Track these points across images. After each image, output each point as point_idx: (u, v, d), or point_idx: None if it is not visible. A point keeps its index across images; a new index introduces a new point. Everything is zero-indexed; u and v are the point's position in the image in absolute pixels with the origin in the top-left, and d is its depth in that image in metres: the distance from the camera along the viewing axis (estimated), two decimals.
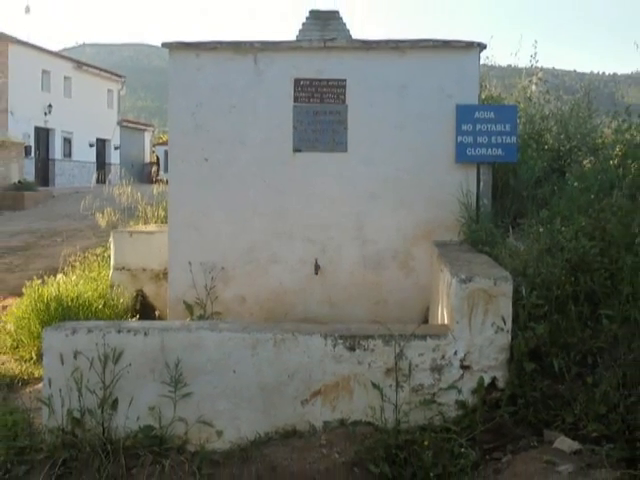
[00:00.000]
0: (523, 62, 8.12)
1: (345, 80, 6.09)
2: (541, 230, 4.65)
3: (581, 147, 6.77)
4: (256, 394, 4.01)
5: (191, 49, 6.19)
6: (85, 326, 4.19)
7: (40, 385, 4.49)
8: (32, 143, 28.30)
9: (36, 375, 5.34)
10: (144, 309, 7.10)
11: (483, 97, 6.89)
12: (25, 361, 5.84)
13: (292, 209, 6.17)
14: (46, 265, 9.72)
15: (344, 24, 6.31)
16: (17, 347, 6.16)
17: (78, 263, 8.18)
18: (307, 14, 6.34)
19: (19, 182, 23.46)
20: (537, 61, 7.93)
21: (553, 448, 3.33)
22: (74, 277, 7.32)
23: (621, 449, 3.16)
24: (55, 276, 7.23)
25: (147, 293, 7.29)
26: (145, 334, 4.05)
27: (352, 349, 3.98)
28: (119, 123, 37.11)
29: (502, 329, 3.91)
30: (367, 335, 4.01)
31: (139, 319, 6.52)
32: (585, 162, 6.21)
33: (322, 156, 6.15)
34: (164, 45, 6.24)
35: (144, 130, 42.29)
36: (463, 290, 3.93)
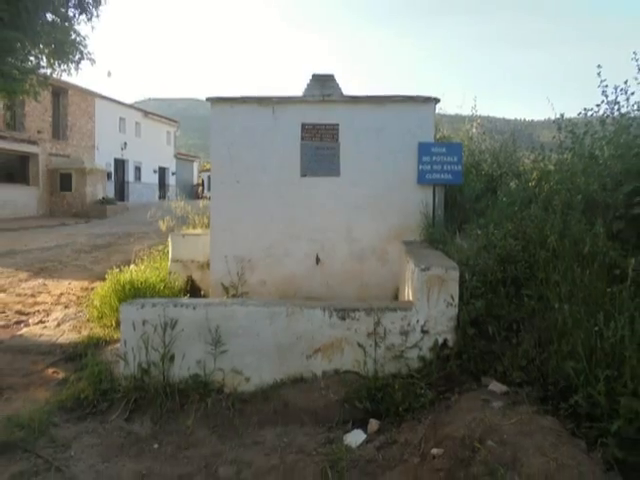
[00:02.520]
0: (466, 111, 8.10)
1: (338, 124, 6.09)
2: (479, 233, 4.65)
3: (508, 173, 6.77)
4: (273, 351, 4.02)
5: (227, 102, 6.19)
6: (150, 302, 4.20)
7: (118, 345, 4.49)
8: (112, 170, 28.35)
9: (115, 337, 5.34)
10: (193, 290, 7.09)
11: (437, 137, 6.89)
12: (107, 327, 5.85)
13: (300, 218, 6.17)
14: (122, 258, 9.74)
15: (337, 84, 6.29)
16: (101, 317, 6.16)
17: (145, 257, 8.18)
18: (310, 77, 6.33)
19: (103, 198, 23.50)
20: (476, 111, 7.92)
21: (488, 390, 3.33)
22: (142, 267, 7.32)
23: (537, 391, 3.16)
24: (129, 266, 7.23)
25: (195, 278, 7.29)
26: (194, 308, 4.06)
27: (343, 318, 3.98)
28: (175, 156, 37.15)
29: (451, 304, 3.92)
30: (354, 308, 4.01)
31: (189, 297, 6.51)
32: (511, 184, 6.20)
33: (321, 179, 6.14)
34: (208, 99, 6.24)
35: (193, 161, 42.34)
36: (423, 276, 3.93)
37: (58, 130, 24.51)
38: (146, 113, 33.32)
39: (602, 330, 2.93)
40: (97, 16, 9.27)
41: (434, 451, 2.83)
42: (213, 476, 3.03)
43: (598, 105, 4.87)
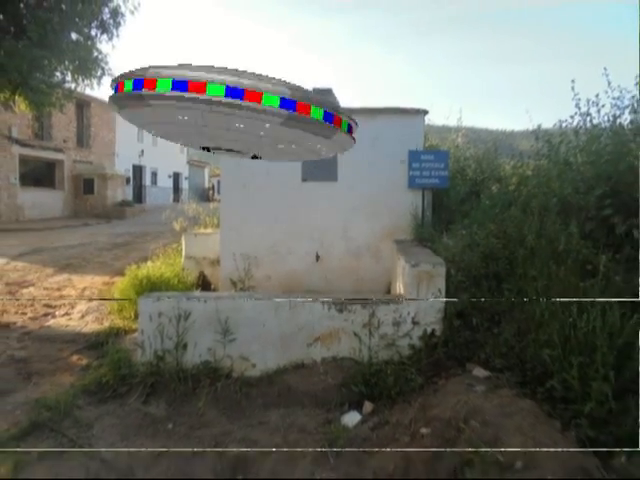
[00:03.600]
0: (452, 122, 8.08)
1: None
2: (464, 232, 4.65)
3: (490, 178, 6.76)
4: (277, 340, 4.01)
5: None
6: (166, 295, 4.19)
7: (136, 334, 4.49)
8: (131, 175, 28.29)
9: (133, 328, 5.33)
10: (204, 284, 7.08)
11: (426, 145, 6.87)
12: (126, 319, 5.83)
13: (301, 219, 6.16)
14: (140, 256, 9.71)
15: (335, 96, 6.28)
16: (121, 310, 6.15)
17: (161, 254, 8.16)
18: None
19: (122, 201, 23.46)
20: (461, 122, 7.92)
21: (472, 375, 3.33)
22: (158, 263, 7.30)
23: (516, 376, 3.16)
24: (146, 262, 7.21)
25: (206, 274, 7.27)
26: (205, 301, 4.05)
27: (341, 311, 3.98)
28: (188, 162, 37.09)
29: (439, 297, 3.91)
30: (350, 301, 4.01)
31: (201, 291, 6.50)
32: (493, 188, 6.20)
33: (321, 184, 6.13)
34: None
35: (204, 167, 42.18)
36: (413, 272, 3.93)
37: (82, 139, 24.49)
38: None
39: (576, 321, 2.93)
40: (117, 36, 9.27)
41: (423, 431, 2.82)
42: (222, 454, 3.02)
43: (572, 117, 4.88)
